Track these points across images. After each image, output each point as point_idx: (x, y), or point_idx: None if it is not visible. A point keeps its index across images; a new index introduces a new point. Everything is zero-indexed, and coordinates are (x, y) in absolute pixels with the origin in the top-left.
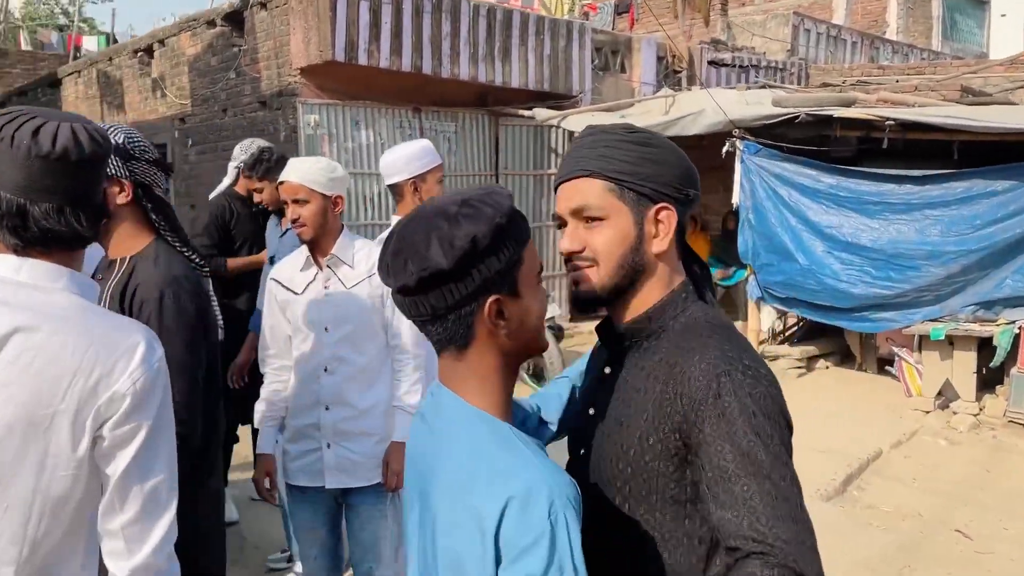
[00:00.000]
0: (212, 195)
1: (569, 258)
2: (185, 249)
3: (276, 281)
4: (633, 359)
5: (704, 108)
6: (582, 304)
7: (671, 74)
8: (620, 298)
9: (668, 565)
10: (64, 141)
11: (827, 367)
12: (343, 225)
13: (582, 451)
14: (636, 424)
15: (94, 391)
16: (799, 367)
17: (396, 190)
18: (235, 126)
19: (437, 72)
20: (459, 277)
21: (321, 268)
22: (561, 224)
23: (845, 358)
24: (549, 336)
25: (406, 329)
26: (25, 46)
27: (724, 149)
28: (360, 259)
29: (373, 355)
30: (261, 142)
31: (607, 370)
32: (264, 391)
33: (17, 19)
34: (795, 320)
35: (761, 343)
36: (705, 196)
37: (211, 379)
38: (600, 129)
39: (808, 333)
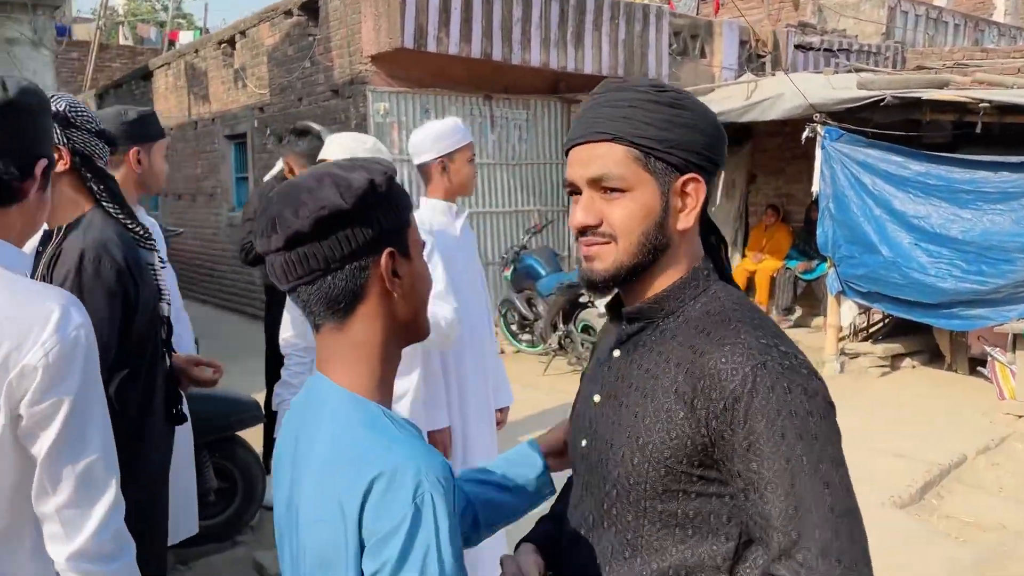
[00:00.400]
0: (265, 179)
1: (583, 232)
2: (128, 221)
3: None
4: (647, 341)
5: (783, 92)
6: (595, 286)
7: (754, 59)
8: (638, 277)
9: (685, 561)
10: None
11: (913, 366)
12: None
13: (584, 442)
14: (655, 416)
15: (4, 365)
16: (883, 366)
17: (424, 171)
18: (310, 115)
19: (507, 58)
20: (359, 220)
21: None
22: (573, 192)
23: (934, 357)
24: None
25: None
26: (125, 41)
27: (804, 135)
28: None
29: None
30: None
31: (616, 353)
32: (286, 373)
33: (121, 16)
34: (880, 316)
35: (841, 339)
36: (788, 185)
37: (146, 351)
38: (624, 85)
39: (894, 330)
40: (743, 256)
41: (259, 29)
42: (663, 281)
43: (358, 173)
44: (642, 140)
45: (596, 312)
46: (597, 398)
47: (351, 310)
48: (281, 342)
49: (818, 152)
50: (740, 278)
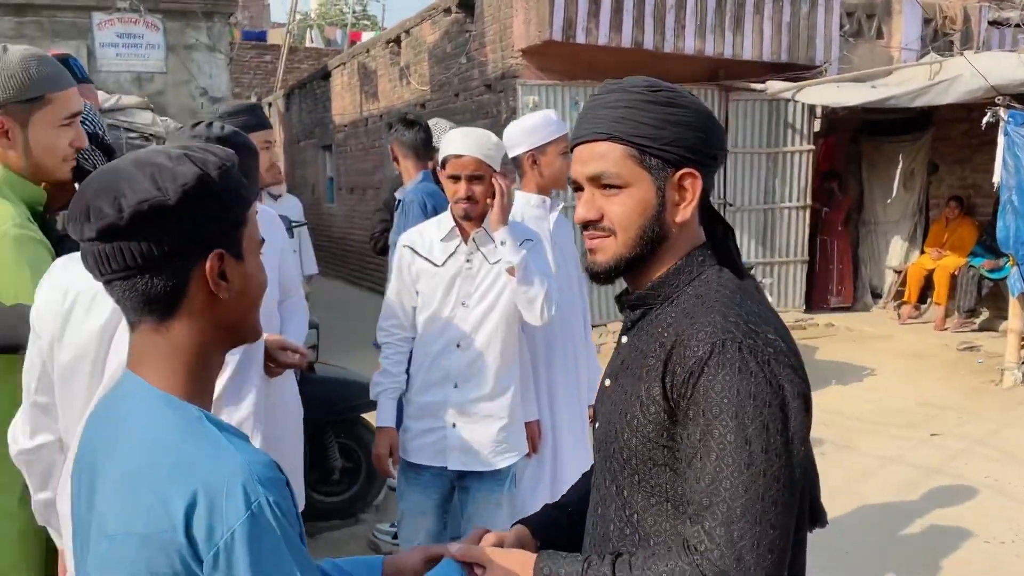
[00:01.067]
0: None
1: (585, 226)
2: None
3: (412, 250)
4: (645, 326)
5: (961, 74)
6: (598, 276)
7: (940, 37)
8: (638, 267)
9: (678, 536)
10: None
11: None
12: None
13: (598, 424)
14: (640, 394)
15: None
16: None
17: (516, 164)
18: (464, 110)
19: (660, 47)
20: (182, 216)
21: (466, 242)
22: (576, 188)
23: None
24: None
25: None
26: (312, 44)
27: (984, 120)
28: (508, 236)
29: (509, 334)
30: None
31: (624, 339)
32: (384, 362)
33: (313, 19)
34: None
35: None
36: (974, 175)
37: None
38: (620, 86)
39: None
40: (922, 252)
41: (421, 27)
42: (661, 270)
43: (186, 165)
44: (637, 139)
45: None
46: (607, 382)
47: (170, 311)
48: (378, 331)
49: (1000, 139)
50: (917, 277)
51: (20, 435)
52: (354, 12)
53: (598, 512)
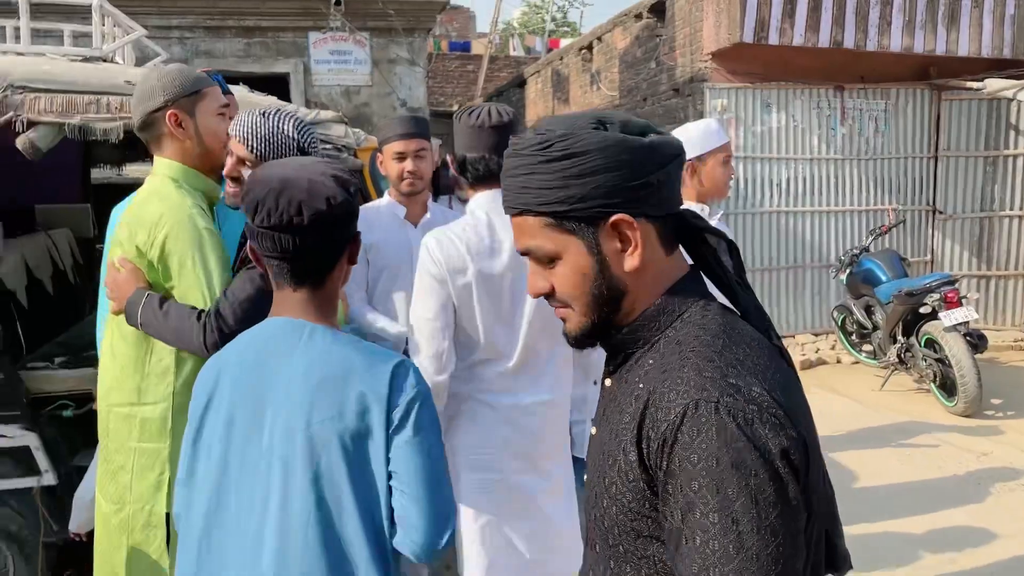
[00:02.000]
0: None
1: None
2: None
3: None
4: (626, 371)
5: None
6: (577, 345)
7: None
8: (610, 327)
9: None
10: None
11: None
12: None
13: (587, 476)
14: (617, 457)
15: None
16: None
17: None
18: (652, 115)
19: (861, 45)
20: (351, 218)
21: None
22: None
23: None
24: (963, 347)
25: None
26: (514, 52)
27: None
28: None
29: None
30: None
31: (608, 382)
32: None
33: (515, 28)
34: None
35: None
36: None
37: None
38: (515, 150)
39: None
40: None
41: (612, 34)
42: (635, 315)
43: (345, 185)
44: (544, 207)
45: (942, 325)
46: (594, 430)
47: (324, 281)
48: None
49: None
50: None
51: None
52: (554, 19)
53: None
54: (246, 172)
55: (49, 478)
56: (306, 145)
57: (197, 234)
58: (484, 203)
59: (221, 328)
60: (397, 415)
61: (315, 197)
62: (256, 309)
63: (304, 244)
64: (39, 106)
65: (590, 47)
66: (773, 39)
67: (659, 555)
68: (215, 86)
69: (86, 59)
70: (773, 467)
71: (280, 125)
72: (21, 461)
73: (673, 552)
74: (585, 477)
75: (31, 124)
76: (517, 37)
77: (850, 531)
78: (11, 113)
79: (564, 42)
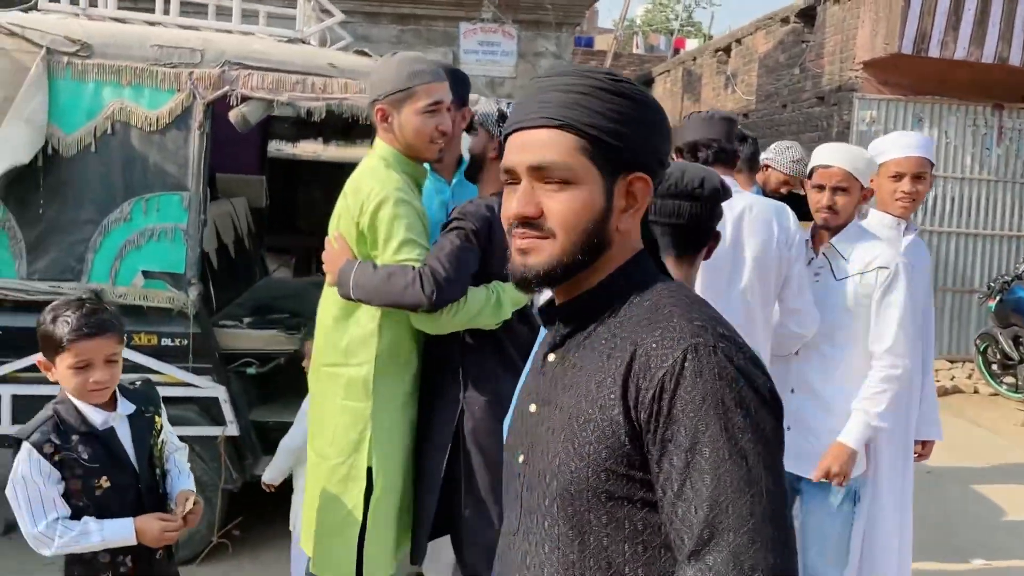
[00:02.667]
0: None
1: (518, 224)
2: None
3: None
4: (586, 341)
5: None
6: (528, 283)
7: None
8: (574, 276)
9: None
10: None
11: None
12: (854, 215)
13: (521, 457)
14: (591, 415)
15: None
16: None
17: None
18: (791, 121)
19: None
20: (718, 212)
21: (816, 255)
22: (511, 181)
23: None
24: None
25: (890, 335)
26: (637, 50)
27: None
28: (857, 256)
29: (849, 352)
30: (793, 145)
31: (551, 357)
32: None
33: (638, 25)
34: None
35: None
36: None
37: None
38: (576, 71)
39: None
40: None
41: (754, 37)
42: (598, 278)
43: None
44: (593, 131)
45: None
46: (533, 407)
47: (697, 252)
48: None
49: None
50: None
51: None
52: (679, 18)
53: (527, 562)
54: None
55: (233, 429)
56: None
57: (401, 208)
58: None
59: (435, 276)
60: None
61: (712, 177)
62: (460, 261)
63: (696, 212)
64: (252, 83)
65: (727, 49)
66: (934, 51)
67: (629, 518)
68: (432, 84)
69: (289, 40)
70: (768, 404)
71: None
72: (209, 411)
73: (673, 499)
74: (520, 459)
75: (243, 99)
76: (641, 34)
77: (1003, 565)
78: (227, 87)
79: (690, 42)
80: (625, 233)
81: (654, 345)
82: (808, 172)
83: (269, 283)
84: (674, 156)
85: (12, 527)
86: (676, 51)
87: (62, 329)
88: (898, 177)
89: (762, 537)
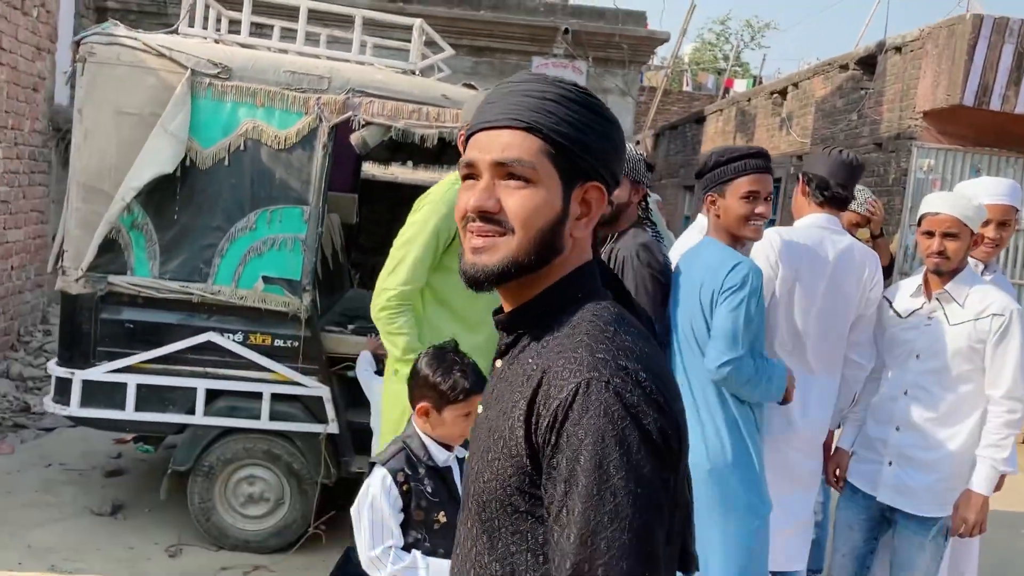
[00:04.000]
0: None
1: (476, 218)
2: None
3: (887, 299)
4: (520, 355)
5: None
6: (479, 281)
7: None
8: (521, 280)
9: None
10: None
11: None
12: (966, 262)
13: (470, 454)
14: (503, 433)
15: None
16: None
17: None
18: None
19: None
20: None
21: (929, 299)
22: (470, 175)
23: None
24: None
25: (1007, 379)
26: (685, 87)
27: None
28: (972, 301)
29: (960, 395)
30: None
31: (498, 364)
32: (855, 385)
33: (685, 64)
34: None
35: None
36: None
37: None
38: (544, 79)
39: None
40: None
41: (811, 82)
42: (542, 287)
43: None
44: (557, 136)
45: None
46: (481, 409)
47: None
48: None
49: None
50: None
51: None
52: (726, 58)
53: (459, 554)
54: None
55: (333, 427)
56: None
57: (431, 215)
58: (819, 221)
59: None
60: None
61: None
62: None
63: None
64: (373, 109)
65: (783, 92)
66: (995, 105)
67: (531, 531)
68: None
69: (403, 71)
70: (654, 446)
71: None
72: (313, 409)
73: (552, 523)
74: (468, 458)
75: (364, 124)
76: (689, 73)
77: None
78: (350, 112)
79: (738, 82)
80: (578, 242)
81: (556, 373)
82: (917, 219)
83: (356, 294)
84: (799, 178)
85: (120, 507)
86: (726, 91)
87: (461, 384)
88: (985, 222)
89: (616, 571)
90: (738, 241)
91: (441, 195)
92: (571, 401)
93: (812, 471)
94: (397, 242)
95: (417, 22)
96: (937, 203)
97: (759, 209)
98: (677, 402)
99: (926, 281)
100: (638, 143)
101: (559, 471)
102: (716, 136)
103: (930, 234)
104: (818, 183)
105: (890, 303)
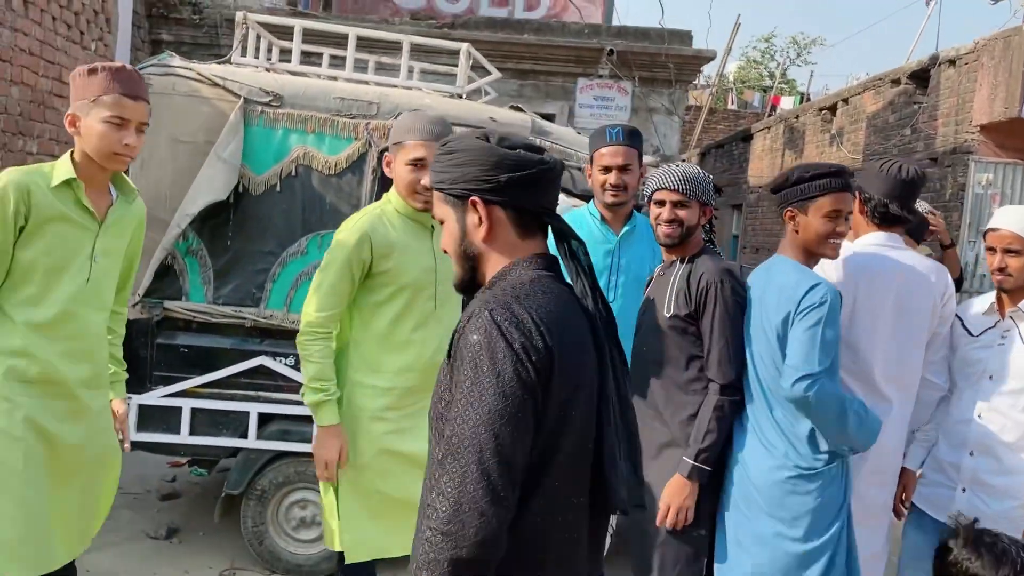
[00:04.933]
0: None
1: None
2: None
3: (958, 317)
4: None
5: None
6: (459, 291)
7: None
8: (476, 276)
9: None
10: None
11: None
12: None
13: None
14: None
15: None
16: None
17: None
18: None
19: None
20: None
21: (1003, 317)
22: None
23: None
24: None
25: None
26: (731, 105)
27: None
28: None
29: None
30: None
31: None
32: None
33: (730, 82)
34: None
35: None
36: None
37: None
38: (441, 141)
39: None
40: None
41: (862, 97)
42: (489, 275)
43: None
44: (437, 185)
45: None
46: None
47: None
48: None
49: None
50: None
51: None
52: (772, 76)
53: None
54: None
55: None
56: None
57: (339, 246)
58: (879, 239)
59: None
60: None
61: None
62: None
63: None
64: None
65: (832, 108)
66: None
67: (448, 431)
68: (416, 141)
69: (451, 95)
70: (515, 357)
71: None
72: None
73: (447, 413)
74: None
75: None
76: (735, 91)
77: None
78: None
79: (785, 99)
80: (489, 242)
81: (468, 311)
82: (983, 235)
83: None
84: (855, 195)
85: (175, 531)
86: (772, 108)
87: None
88: None
89: (469, 437)
90: (812, 258)
91: (352, 225)
92: (466, 323)
93: (885, 504)
94: (319, 268)
95: (464, 46)
96: (1000, 218)
97: (841, 228)
98: (563, 344)
99: (999, 298)
100: (683, 161)
101: (455, 377)
102: (764, 154)
103: (993, 250)
104: (875, 204)
105: (961, 321)
